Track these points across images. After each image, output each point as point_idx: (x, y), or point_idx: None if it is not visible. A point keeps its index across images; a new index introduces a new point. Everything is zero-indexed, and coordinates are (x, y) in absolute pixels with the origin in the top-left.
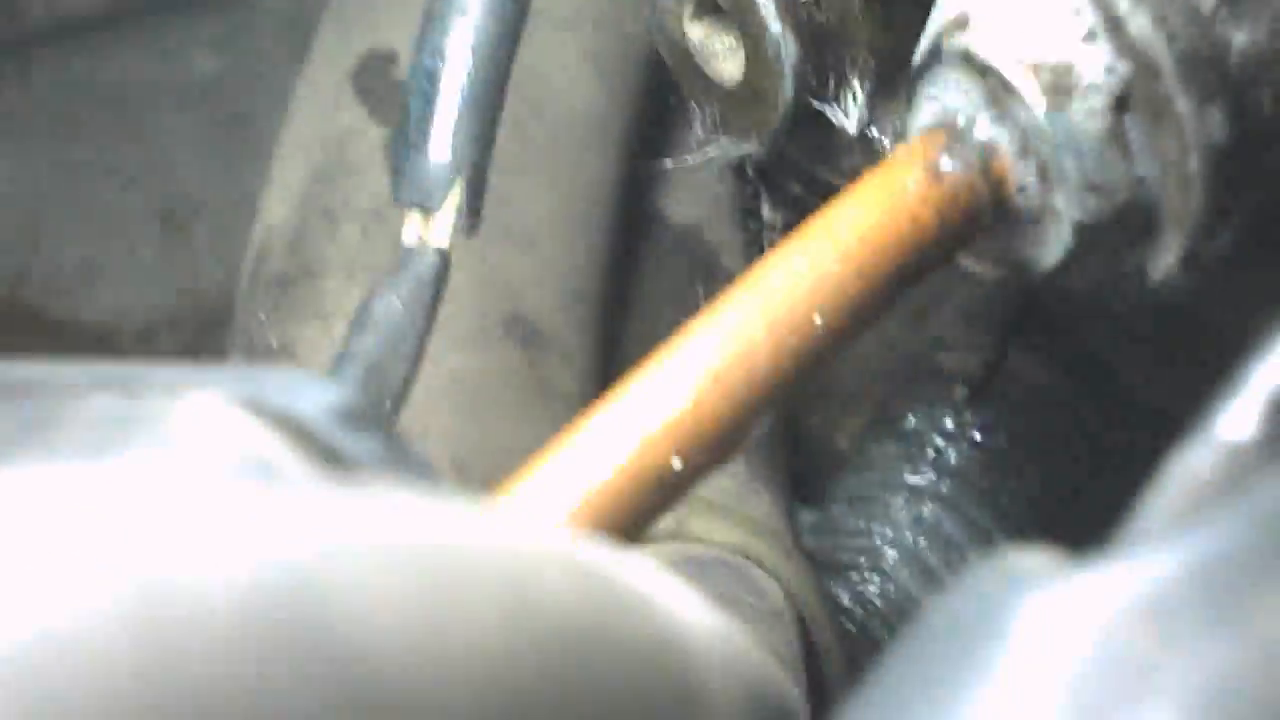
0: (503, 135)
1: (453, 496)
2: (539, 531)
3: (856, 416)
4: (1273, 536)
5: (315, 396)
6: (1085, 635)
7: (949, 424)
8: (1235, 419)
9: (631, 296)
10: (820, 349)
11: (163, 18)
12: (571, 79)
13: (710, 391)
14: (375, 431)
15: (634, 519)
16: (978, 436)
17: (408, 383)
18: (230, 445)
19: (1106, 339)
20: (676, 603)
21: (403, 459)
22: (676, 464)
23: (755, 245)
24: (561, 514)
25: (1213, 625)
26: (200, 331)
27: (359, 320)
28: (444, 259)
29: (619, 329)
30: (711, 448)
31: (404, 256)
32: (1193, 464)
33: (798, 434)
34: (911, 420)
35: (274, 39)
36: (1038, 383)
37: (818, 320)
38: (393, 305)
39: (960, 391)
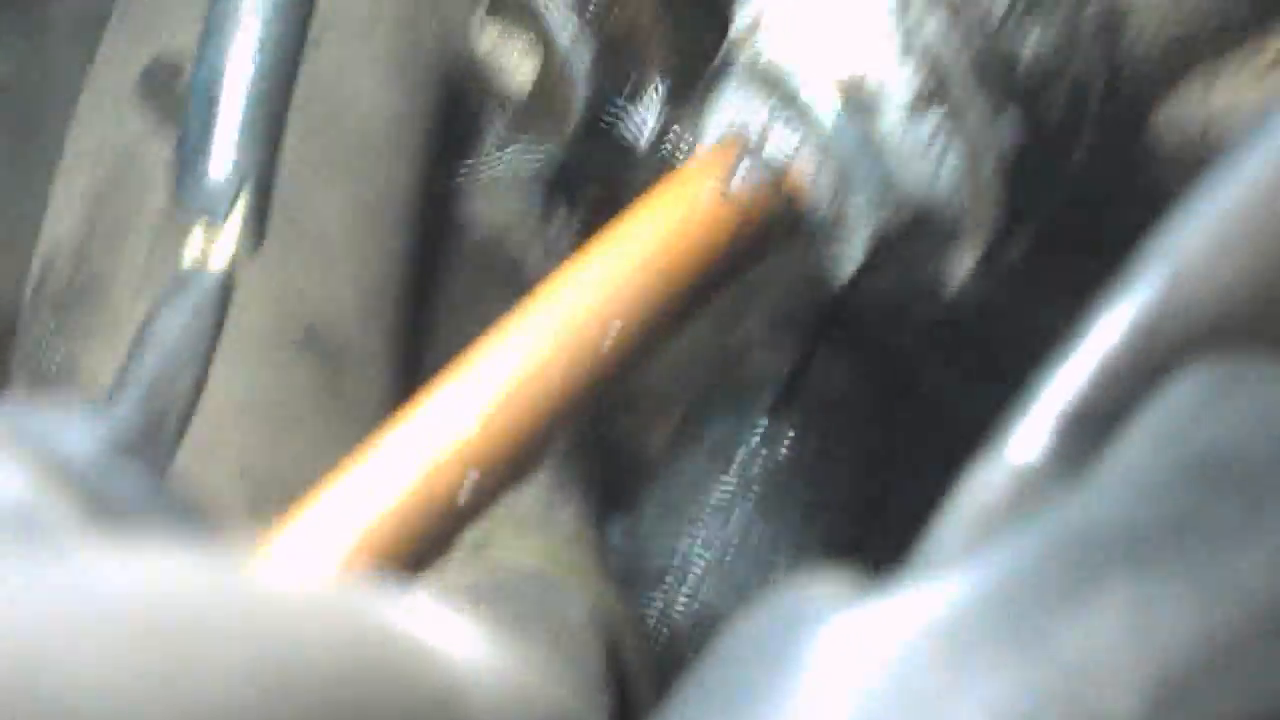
0: (296, 142)
1: (215, 541)
2: (302, 581)
3: (666, 421)
4: (1064, 558)
5: (78, 434)
6: (876, 664)
7: (756, 431)
8: (1024, 440)
9: (434, 306)
10: (615, 364)
11: None
12: (367, 84)
13: (502, 410)
14: (141, 471)
15: (424, 546)
16: (785, 444)
17: (192, 404)
18: None
19: (910, 345)
20: (458, 651)
21: (168, 500)
22: (468, 487)
23: (555, 254)
24: (345, 544)
25: (1006, 651)
26: None
27: (140, 340)
28: (228, 274)
29: (422, 340)
30: (505, 469)
31: (184, 275)
32: (984, 485)
33: (607, 440)
34: (719, 427)
35: (66, 41)
36: (845, 388)
37: (612, 334)
38: (175, 323)
39: (767, 397)
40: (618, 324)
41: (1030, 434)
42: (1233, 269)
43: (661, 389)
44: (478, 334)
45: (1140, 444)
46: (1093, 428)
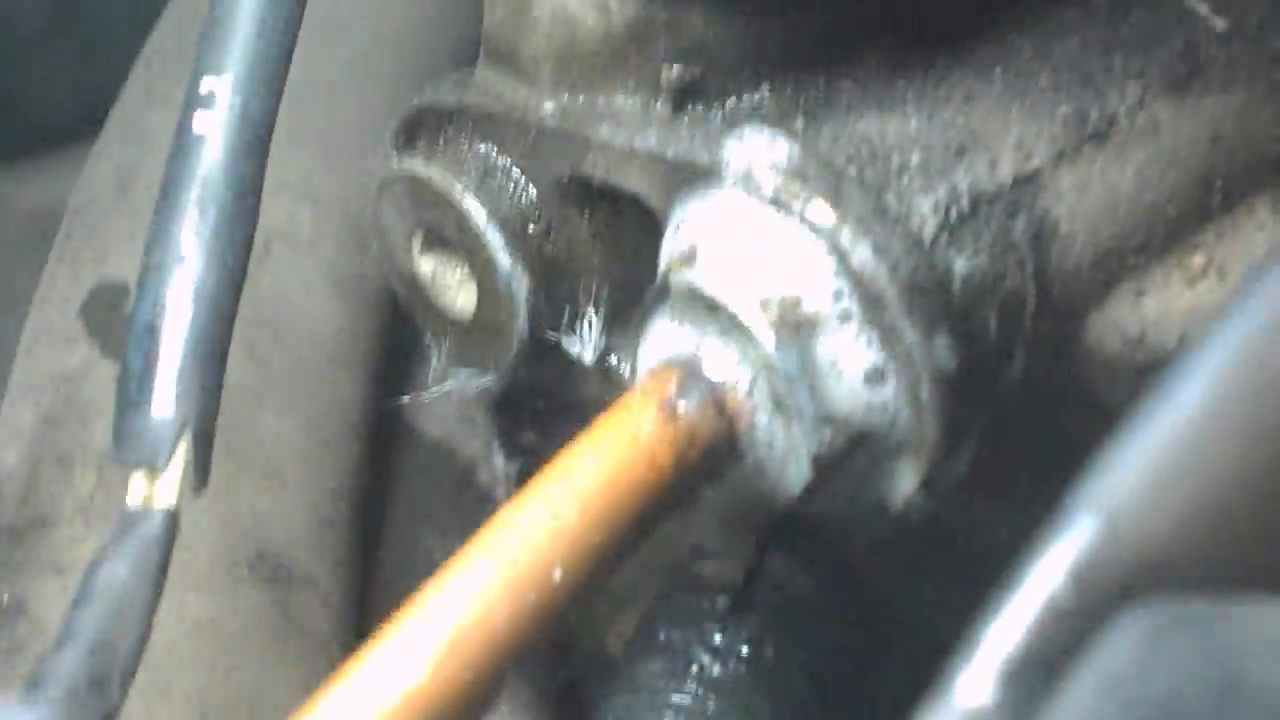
0: (242, 362)
1: None
2: None
3: (627, 618)
4: None
5: None
6: None
7: (713, 636)
8: (971, 684)
9: (385, 518)
10: (563, 602)
11: None
12: (312, 301)
13: (448, 660)
14: None
15: None
16: (742, 649)
17: (137, 656)
18: None
19: (860, 550)
20: None
21: None
22: None
23: (514, 453)
24: None
25: None
26: None
27: (82, 592)
28: (172, 519)
29: (373, 555)
30: (455, 715)
31: (128, 518)
32: None
33: (566, 640)
34: (674, 633)
35: (11, 254)
36: (800, 590)
37: (558, 574)
38: (117, 573)
39: (721, 601)
40: (563, 563)
41: (977, 678)
42: (1164, 512)
43: (618, 591)
44: (431, 547)
45: (1085, 694)
46: (1037, 671)
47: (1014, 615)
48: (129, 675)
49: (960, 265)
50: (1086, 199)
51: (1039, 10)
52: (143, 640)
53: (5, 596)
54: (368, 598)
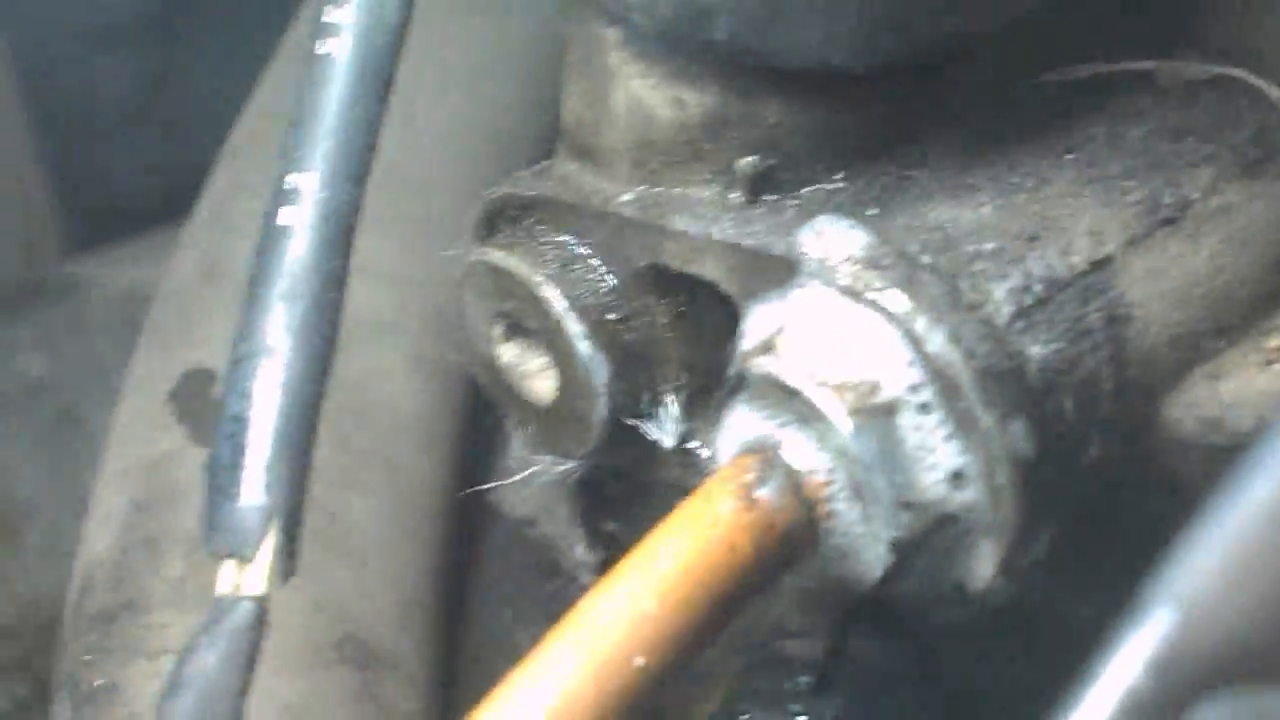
0: (326, 446)
1: None
2: None
3: (711, 694)
4: None
5: None
6: None
7: (795, 715)
8: None
9: (469, 598)
10: (645, 688)
11: None
12: (396, 384)
13: None
14: None
15: None
16: None
17: None
18: None
19: (937, 629)
20: None
21: None
22: None
23: (596, 541)
24: None
25: None
26: (35, 640)
27: (175, 680)
28: (260, 606)
29: (457, 637)
30: None
31: (217, 607)
32: None
33: (651, 716)
34: (757, 712)
35: (103, 336)
36: (882, 669)
37: (640, 660)
38: (207, 662)
39: (804, 680)
40: (645, 649)
41: None
42: (1242, 603)
43: (700, 670)
44: (515, 627)
45: None
46: None
47: (1093, 707)
48: None
49: (1035, 351)
50: (1160, 283)
51: (1111, 96)
52: None
53: (99, 681)
54: (452, 679)
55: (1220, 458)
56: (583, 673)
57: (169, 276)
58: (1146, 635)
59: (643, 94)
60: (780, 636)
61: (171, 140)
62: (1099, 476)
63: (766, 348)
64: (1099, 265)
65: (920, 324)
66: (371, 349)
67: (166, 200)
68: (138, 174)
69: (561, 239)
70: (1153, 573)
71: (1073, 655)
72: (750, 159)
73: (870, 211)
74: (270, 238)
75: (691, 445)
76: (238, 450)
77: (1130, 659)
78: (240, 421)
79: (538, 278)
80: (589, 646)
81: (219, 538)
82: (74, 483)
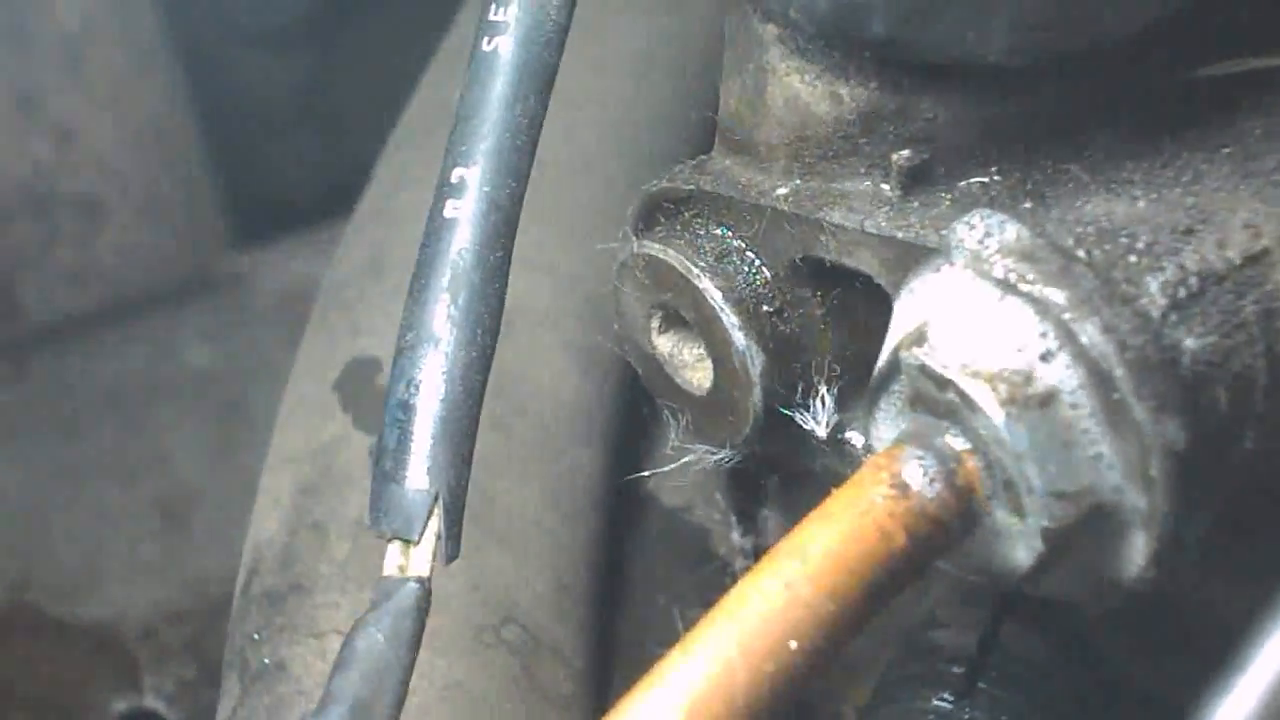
0: (487, 434)
1: None
2: None
3: (862, 685)
4: None
5: None
6: None
7: (947, 704)
8: None
9: (623, 583)
10: (799, 672)
11: (154, 312)
12: (553, 374)
13: None
14: None
15: None
16: (978, 716)
17: (394, 718)
18: None
19: (1091, 621)
20: None
21: None
22: None
23: (750, 527)
24: None
25: None
26: (204, 624)
27: (342, 657)
28: (425, 588)
29: (614, 620)
30: None
31: (384, 587)
32: None
33: (802, 705)
34: (910, 701)
35: (265, 327)
36: (1034, 660)
37: (793, 645)
38: (375, 640)
39: (956, 670)
40: (798, 634)
41: None
42: None
43: (854, 657)
44: (669, 609)
45: None
46: None
47: (1243, 693)
48: None
49: (1189, 344)
50: None
51: (1267, 92)
52: (399, 704)
53: (268, 659)
54: (608, 663)
55: None
56: (736, 656)
57: (334, 268)
58: None
59: (800, 89)
60: (932, 626)
61: (334, 139)
62: (1252, 470)
63: (919, 339)
64: (1254, 259)
65: (1074, 316)
66: (531, 339)
67: (329, 197)
68: (301, 172)
69: (718, 232)
70: None
71: (1224, 647)
72: (905, 153)
73: (1024, 205)
74: (435, 229)
75: (844, 435)
76: (404, 436)
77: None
78: (406, 408)
79: (695, 270)
80: (743, 630)
81: (384, 520)
82: (240, 470)
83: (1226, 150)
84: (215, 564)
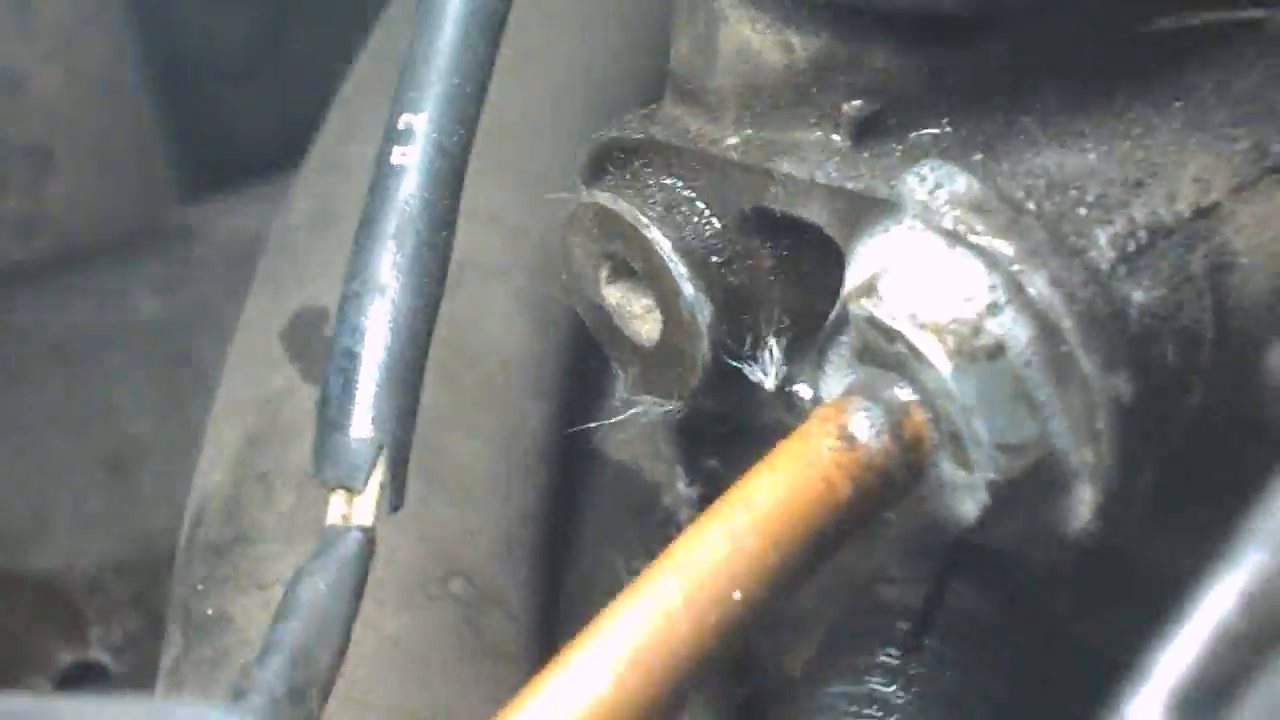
0: (434, 386)
1: None
2: None
3: (807, 641)
4: None
5: None
6: None
7: (893, 660)
8: (1142, 709)
9: (572, 538)
10: (742, 623)
11: (103, 263)
12: (503, 327)
13: (631, 675)
14: None
15: None
16: (923, 671)
17: (335, 669)
18: None
19: (1036, 575)
20: None
21: None
22: None
23: (696, 478)
24: None
25: None
26: (151, 577)
27: (284, 606)
28: (368, 537)
29: (562, 574)
30: None
31: (327, 537)
32: None
33: (747, 661)
34: (856, 657)
35: (215, 278)
36: (980, 615)
37: (737, 595)
38: (317, 589)
39: (902, 626)
40: (743, 584)
41: (1148, 703)
42: None
43: (800, 613)
44: (618, 567)
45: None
46: (1207, 697)
47: (1186, 643)
48: (327, 687)
49: (1138, 297)
50: (1266, 232)
51: (1220, 45)
52: (341, 653)
53: (211, 611)
54: (555, 616)
55: None
56: (680, 606)
57: (282, 219)
58: (1240, 574)
59: (750, 38)
60: (878, 581)
61: (286, 90)
62: (1198, 424)
63: (868, 290)
64: (1204, 213)
65: (1023, 268)
66: (479, 291)
67: (280, 149)
68: (253, 123)
69: (667, 182)
70: (1249, 515)
71: (1169, 601)
72: (856, 103)
73: (975, 157)
74: (382, 176)
75: (793, 388)
76: (348, 384)
77: (1224, 597)
78: (351, 356)
79: (644, 220)
80: (687, 580)
81: (328, 469)
82: (189, 422)
83: (1178, 104)
84: (163, 516)
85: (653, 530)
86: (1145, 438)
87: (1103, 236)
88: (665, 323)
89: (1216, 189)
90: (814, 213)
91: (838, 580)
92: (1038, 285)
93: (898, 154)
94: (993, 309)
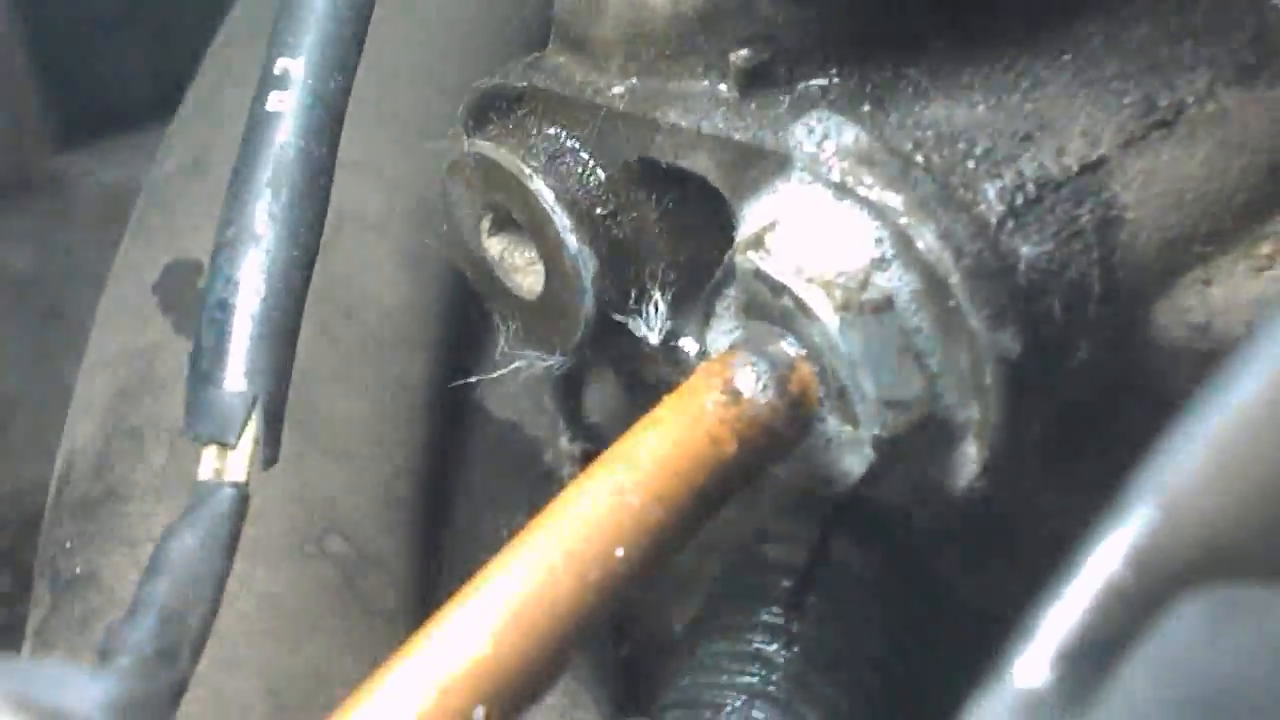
0: (312, 341)
1: None
2: None
3: (690, 599)
4: None
5: (85, 691)
6: None
7: (775, 618)
8: (1028, 666)
9: (452, 496)
10: (625, 580)
11: None
12: (382, 280)
13: (511, 633)
14: None
15: None
16: (805, 630)
17: (207, 627)
18: None
19: (922, 533)
20: None
21: None
22: (479, 713)
23: (579, 434)
24: None
25: None
26: (20, 534)
27: (153, 564)
28: (241, 493)
29: (441, 532)
30: (516, 691)
31: (199, 492)
32: (990, 712)
33: (630, 618)
34: (738, 615)
35: (86, 230)
36: (863, 574)
37: (620, 552)
38: (188, 546)
39: (785, 584)
40: (625, 541)
41: (1034, 660)
42: (1224, 499)
43: (683, 571)
44: (496, 521)
45: (1139, 677)
46: (1094, 654)
47: (1072, 599)
48: (198, 646)
49: (1026, 251)
50: (1153, 186)
51: None
52: (212, 612)
53: (80, 569)
54: (434, 576)
55: (1208, 364)
56: (560, 562)
57: (155, 169)
58: (1128, 530)
59: None
60: (762, 540)
61: (161, 41)
62: (1086, 380)
63: (756, 243)
64: (1092, 167)
65: (910, 222)
66: (359, 243)
67: (155, 100)
68: (127, 73)
69: (551, 131)
70: (1136, 471)
71: (1056, 558)
72: (744, 53)
73: (864, 108)
74: (257, 123)
75: (678, 343)
76: (221, 336)
77: (1111, 552)
78: (224, 307)
79: (526, 170)
80: (568, 537)
81: (200, 423)
82: (59, 376)
83: (1066, 57)
84: (33, 473)
85: (534, 488)
86: (1032, 393)
87: (991, 190)
88: (548, 275)
89: (1105, 143)
90: (700, 164)
91: (721, 538)
92: (926, 239)
93: (785, 105)
94: (880, 263)
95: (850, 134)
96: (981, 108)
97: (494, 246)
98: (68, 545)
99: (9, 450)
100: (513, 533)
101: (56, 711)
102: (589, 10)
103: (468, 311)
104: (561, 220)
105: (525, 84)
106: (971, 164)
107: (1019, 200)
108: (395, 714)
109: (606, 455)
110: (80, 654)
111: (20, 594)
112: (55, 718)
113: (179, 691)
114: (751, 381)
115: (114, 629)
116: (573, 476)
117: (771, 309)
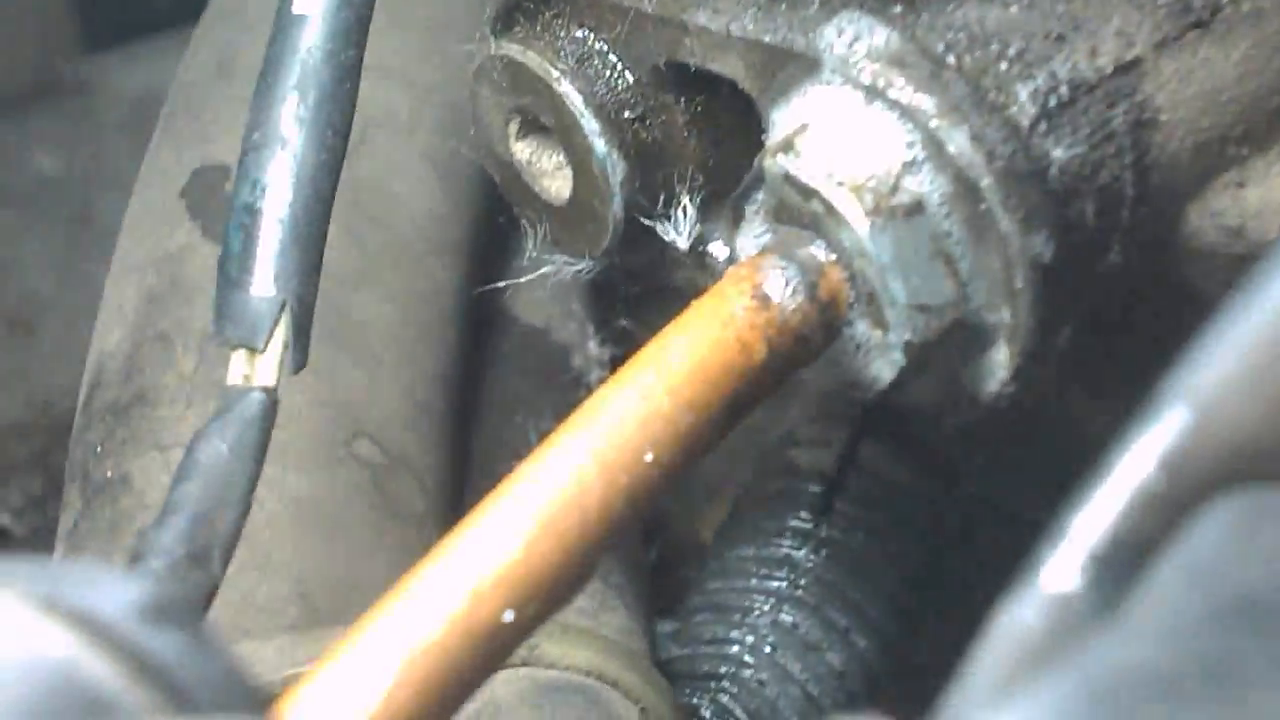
0: (340, 246)
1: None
2: None
3: (719, 505)
4: (1100, 704)
5: (115, 592)
6: None
7: (804, 523)
8: (1058, 570)
9: (481, 402)
10: (654, 485)
11: (1, 119)
12: (411, 185)
13: (541, 538)
14: (178, 628)
15: (467, 675)
16: (834, 535)
17: (237, 531)
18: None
19: (953, 439)
20: None
21: (207, 658)
22: (509, 616)
23: (607, 338)
24: (389, 675)
25: None
26: (51, 438)
27: (183, 468)
28: (271, 397)
29: (469, 438)
30: (545, 595)
31: (228, 397)
32: (1021, 614)
33: (658, 524)
34: (766, 520)
35: (115, 134)
36: (892, 478)
37: (649, 457)
38: (218, 450)
39: (813, 489)
40: (655, 446)
41: (1064, 565)
42: (1256, 402)
43: (715, 471)
44: (525, 426)
45: (1172, 582)
46: (1125, 558)
47: (1103, 502)
48: (229, 549)
49: (1058, 154)
50: (1188, 88)
51: None
52: (243, 515)
53: (110, 473)
54: (463, 480)
55: (1241, 267)
56: (590, 468)
57: (182, 73)
58: (1160, 432)
59: None
60: (791, 445)
61: None
62: (1118, 284)
63: (786, 146)
64: (1126, 68)
65: (942, 124)
66: (387, 149)
67: (181, 2)
68: None
69: (579, 34)
70: (1167, 374)
71: (1086, 462)
72: None
73: (895, 9)
74: (283, 27)
75: (706, 247)
76: (249, 241)
77: (1143, 455)
78: (252, 212)
79: (554, 72)
80: (598, 441)
81: (229, 328)
82: (87, 280)
83: None
84: (63, 377)
85: (562, 393)
86: (1064, 297)
87: (1024, 92)
88: (576, 179)
89: (1139, 43)
90: (730, 66)
91: (750, 443)
92: (957, 142)
93: (816, 5)
94: (911, 166)
95: (881, 35)
96: (1014, 8)
97: (522, 150)
98: (98, 449)
99: (37, 355)
100: (541, 438)
101: (87, 612)
102: None
103: (496, 216)
104: (590, 124)
105: None
106: (1004, 65)
107: (1052, 102)
108: (426, 617)
109: (635, 360)
110: (111, 557)
111: (51, 498)
112: (86, 619)
113: (210, 594)
114: (781, 286)
115: (145, 532)
116: (601, 381)
117: (801, 213)
